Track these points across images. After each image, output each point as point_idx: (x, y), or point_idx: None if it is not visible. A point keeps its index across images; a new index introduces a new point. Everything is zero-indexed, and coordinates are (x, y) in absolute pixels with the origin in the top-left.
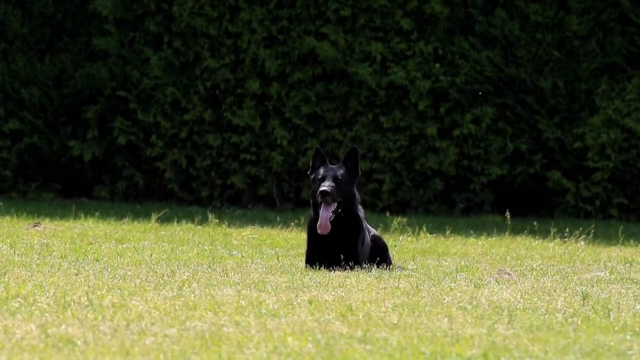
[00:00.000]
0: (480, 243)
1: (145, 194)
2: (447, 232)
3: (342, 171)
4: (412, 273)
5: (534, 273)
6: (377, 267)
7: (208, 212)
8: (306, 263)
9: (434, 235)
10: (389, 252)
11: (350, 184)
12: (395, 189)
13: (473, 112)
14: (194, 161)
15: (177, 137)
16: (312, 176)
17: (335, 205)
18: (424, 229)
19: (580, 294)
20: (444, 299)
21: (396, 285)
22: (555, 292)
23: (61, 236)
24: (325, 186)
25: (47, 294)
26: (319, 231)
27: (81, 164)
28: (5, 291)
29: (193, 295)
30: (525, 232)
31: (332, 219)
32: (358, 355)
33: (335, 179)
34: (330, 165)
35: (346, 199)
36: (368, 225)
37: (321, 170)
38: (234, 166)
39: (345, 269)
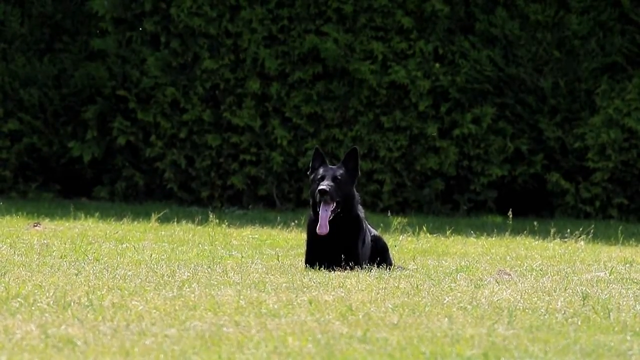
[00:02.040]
0: (480, 243)
1: (145, 194)
2: (448, 232)
3: (341, 171)
4: (413, 273)
5: (534, 273)
6: (378, 267)
7: (208, 212)
8: (306, 263)
9: (434, 235)
10: (389, 252)
11: (350, 184)
12: (396, 189)
13: (473, 112)
14: (193, 161)
15: (176, 137)
16: (312, 176)
17: (334, 205)
18: (424, 229)
19: (580, 294)
20: (444, 299)
21: (396, 285)
22: (555, 292)
23: (61, 236)
24: (324, 185)
25: (47, 294)
26: (317, 232)
27: (81, 164)
28: (5, 291)
29: (193, 295)
30: (525, 232)
31: (331, 218)
32: (358, 355)
33: (334, 178)
34: (330, 166)
35: (345, 199)
36: (369, 226)
37: (320, 170)
38: (233, 166)
39: (346, 269)
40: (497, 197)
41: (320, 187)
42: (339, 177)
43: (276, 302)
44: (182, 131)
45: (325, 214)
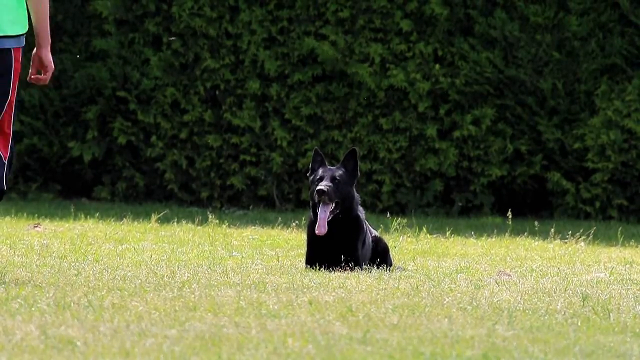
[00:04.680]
0: (480, 244)
1: (145, 195)
2: (447, 233)
3: (340, 172)
4: (412, 274)
5: (534, 274)
6: (378, 268)
7: (208, 212)
8: (306, 264)
9: (434, 236)
10: (390, 253)
11: (349, 185)
12: (395, 190)
13: (473, 113)
14: (193, 162)
15: (177, 138)
16: (311, 177)
17: (333, 205)
18: (424, 229)
19: (580, 295)
20: (444, 300)
21: (396, 286)
22: (555, 293)
23: (61, 237)
24: (322, 185)
25: (47, 295)
26: (316, 232)
27: (81, 165)
28: (5, 292)
29: (193, 296)
30: (525, 233)
31: (330, 219)
32: (358, 355)
33: (333, 179)
34: (329, 167)
35: (344, 200)
36: (369, 227)
37: (320, 171)
38: (233, 167)
39: (346, 270)
40: (496, 198)
41: (319, 187)
42: (338, 178)
43: (276, 303)
44: (182, 132)
45: (324, 214)
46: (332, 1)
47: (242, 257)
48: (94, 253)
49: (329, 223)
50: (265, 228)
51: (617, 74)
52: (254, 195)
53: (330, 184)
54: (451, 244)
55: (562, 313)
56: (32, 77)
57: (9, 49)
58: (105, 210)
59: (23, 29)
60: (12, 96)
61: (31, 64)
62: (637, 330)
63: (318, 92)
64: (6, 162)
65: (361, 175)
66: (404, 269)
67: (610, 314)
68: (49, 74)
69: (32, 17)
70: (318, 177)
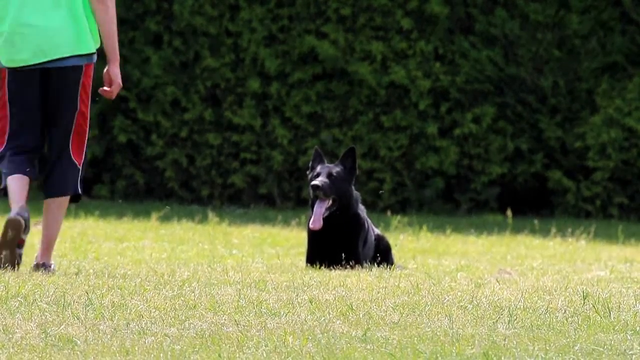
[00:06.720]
0: (480, 242)
1: (145, 193)
2: (448, 232)
3: (338, 169)
4: (413, 272)
5: (535, 272)
6: (379, 266)
7: (208, 211)
8: (307, 262)
9: (435, 234)
10: (392, 252)
11: (347, 182)
12: (396, 189)
13: (474, 112)
14: (194, 160)
15: (177, 136)
16: (310, 175)
17: (330, 202)
18: (425, 228)
19: (581, 293)
20: (445, 299)
21: (396, 284)
22: (555, 291)
23: (61, 235)
24: (317, 181)
25: (47, 293)
26: (310, 226)
27: None
28: (5, 290)
29: (193, 294)
30: (525, 231)
31: (326, 215)
32: (358, 354)
33: (329, 175)
34: (327, 164)
35: (342, 197)
36: (372, 225)
37: (317, 168)
38: (234, 165)
39: (346, 268)
40: (497, 196)
41: (313, 182)
42: (335, 175)
43: (276, 302)
44: (182, 130)
45: (319, 209)
46: None
47: (243, 255)
48: (94, 251)
49: (328, 220)
50: (265, 226)
51: (618, 72)
52: (255, 193)
53: (325, 180)
54: (451, 242)
55: (563, 311)
56: (100, 89)
57: (81, 66)
58: (106, 208)
59: (94, 47)
60: (83, 108)
61: (104, 79)
62: (637, 329)
63: (318, 90)
64: (80, 168)
65: (362, 174)
66: (405, 267)
67: (611, 312)
68: (115, 88)
69: (100, 34)
70: (315, 173)
